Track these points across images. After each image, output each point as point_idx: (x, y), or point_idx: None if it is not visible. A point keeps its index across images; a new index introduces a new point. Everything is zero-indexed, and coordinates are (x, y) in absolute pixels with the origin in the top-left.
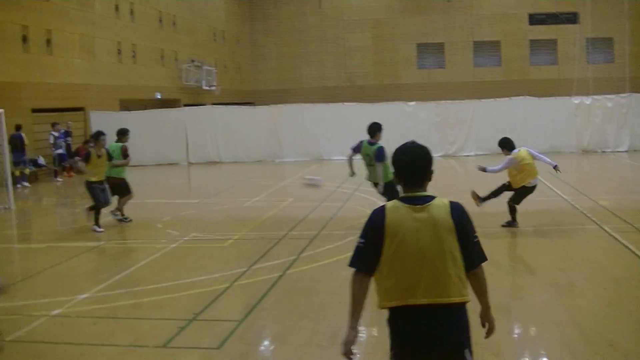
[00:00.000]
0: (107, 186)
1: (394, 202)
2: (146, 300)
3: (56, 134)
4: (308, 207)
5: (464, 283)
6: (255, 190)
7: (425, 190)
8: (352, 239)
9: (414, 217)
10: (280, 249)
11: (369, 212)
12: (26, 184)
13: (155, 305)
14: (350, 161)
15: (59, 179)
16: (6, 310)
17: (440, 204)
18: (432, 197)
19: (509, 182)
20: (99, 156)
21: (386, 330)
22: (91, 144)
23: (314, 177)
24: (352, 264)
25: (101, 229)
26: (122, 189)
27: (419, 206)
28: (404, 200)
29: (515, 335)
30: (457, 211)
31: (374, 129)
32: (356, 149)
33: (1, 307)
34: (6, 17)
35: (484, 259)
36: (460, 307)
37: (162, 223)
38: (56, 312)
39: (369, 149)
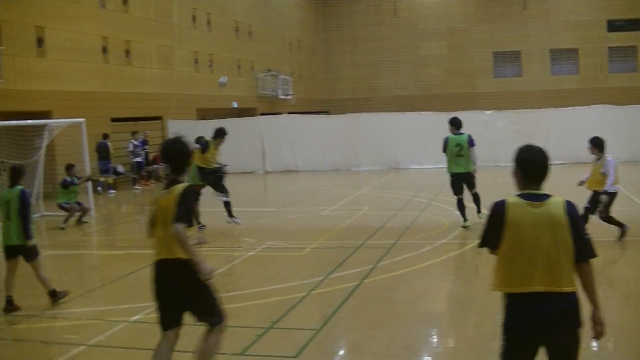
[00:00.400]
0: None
1: (514, 198)
2: (224, 307)
3: (136, 142)
4: (385, 216)
5: (574, 275)
6: (332, 199)
7: (542, 189)
8: (430, 249)
9: (532, 212)
10: (357, 258)
11: (445, 221)
12: (112, 191)
13: (233, 313)
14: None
15: (137, 187)
16: (87, 315)
17: (556, 201)
18: (548, 195)
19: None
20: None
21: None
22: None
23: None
24: (481, 245)
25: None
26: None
27: (537, 202)
28: (523, 196)
29: (594, 349)
30: (572, 209)
31: (460, 122)
32: (444, 149)
33: (83, 312)
34: (86, 29)
35: (594, 255)
36: (572, 295)
37: (239, 231)
38: (135, 317)
39: (460, 138)
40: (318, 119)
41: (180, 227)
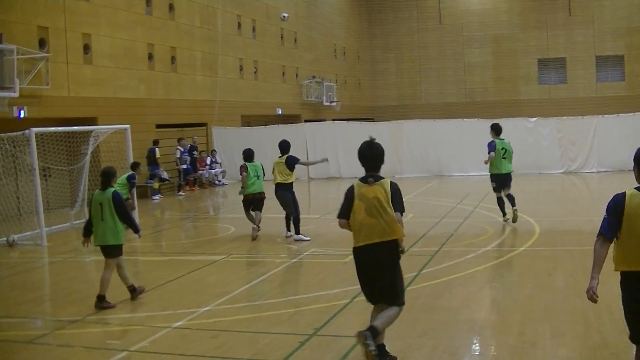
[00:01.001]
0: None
1: (631, 190)
2: (266, 314)
3: (182, 149)
4: (429, 223)
5: None
6: None
7: None
8: (473, 256)
9: None
10: (401, 265)
11: (489, 228)
12: (159, 196)
13: (275, 319)
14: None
15: (181, 193)
16: (130, 321)
17: None
18: None
19: None
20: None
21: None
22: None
23: None
24: (600, 234)
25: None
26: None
27: None
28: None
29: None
30: None
31: (500, 128)
32: (492, 150)
33: (126, 317)
34: (133, 36)
35: None
36: None
37: (282, 238)
38: (178, 324)
39: (504, 143)
40: (362, 125)
41: (399, 215)
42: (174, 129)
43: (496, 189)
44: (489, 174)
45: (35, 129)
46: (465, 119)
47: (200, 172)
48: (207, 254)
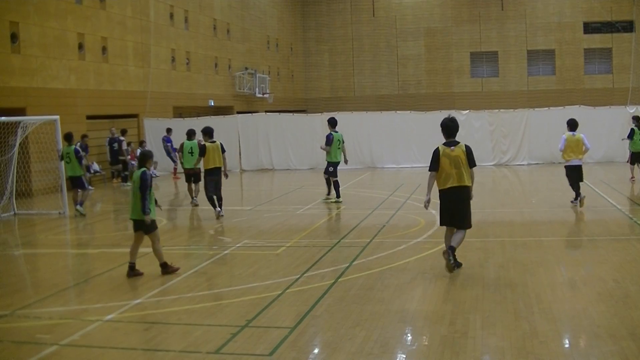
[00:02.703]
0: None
1: None
2: (198, 306)
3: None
4: (360, 215)
5: None
6: (307, 198)
7: None
8: (405, 247)
9: None
10: (333, 256)
11: (421, 219)
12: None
13: (208, 311)
14: None
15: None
16: (61, 314)
17: None
18: None
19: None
20: None
21: None
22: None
23: None
24: None
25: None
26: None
27: None
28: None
29: (570, 347)
30: None
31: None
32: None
33: (57, 311)
34: (62, 25)
35: None
36: None
37: (215, 229)
38: (110, 317)
39: (339, 135)
40: (295, 117)
41: (473, 169)
42: (105, 120)
43: (332, 174)
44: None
45: None
46: (397, 112)
47: (133, 163)
48: (140, 246)
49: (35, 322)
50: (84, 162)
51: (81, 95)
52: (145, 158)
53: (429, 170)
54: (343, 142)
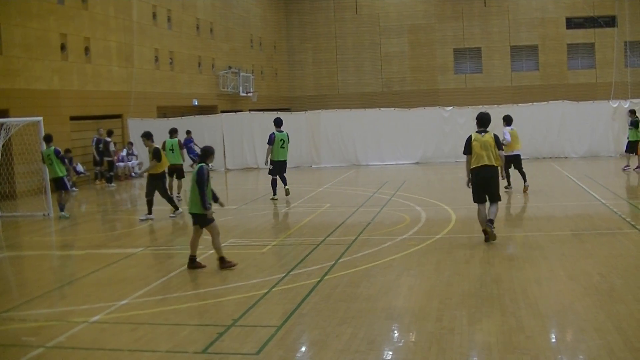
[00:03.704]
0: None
1: None
2: (185, 306)
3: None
4: (346, 213)
5: None
6: (293, 196)
7: None
8: (391, 244)
9: None
10: (319, 254)
11: (406, 216)
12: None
13: (194, 311)
14: None
15: (112, 184)
16: (47, 316)
17: None
18: None
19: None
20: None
21: None
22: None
23: None
24: None
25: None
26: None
27: None
28: None
29: (556, 341)
30: None
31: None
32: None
33: (42, 313)
34: (45, 26)
35: None
36: None
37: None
38: (96, 318)
39: (284, 135)
40: (279, 116)
41: (502, 153)
42: (89, 120)
43: (271, 172)
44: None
45: None
46: (381, 108)
47: (118, 165)
48: (124, 247)
49: (20, 324)
50: (66, 162)
51: (65, 96)
52: (207, 154)
53: (464, 153)
54: (288, 142)
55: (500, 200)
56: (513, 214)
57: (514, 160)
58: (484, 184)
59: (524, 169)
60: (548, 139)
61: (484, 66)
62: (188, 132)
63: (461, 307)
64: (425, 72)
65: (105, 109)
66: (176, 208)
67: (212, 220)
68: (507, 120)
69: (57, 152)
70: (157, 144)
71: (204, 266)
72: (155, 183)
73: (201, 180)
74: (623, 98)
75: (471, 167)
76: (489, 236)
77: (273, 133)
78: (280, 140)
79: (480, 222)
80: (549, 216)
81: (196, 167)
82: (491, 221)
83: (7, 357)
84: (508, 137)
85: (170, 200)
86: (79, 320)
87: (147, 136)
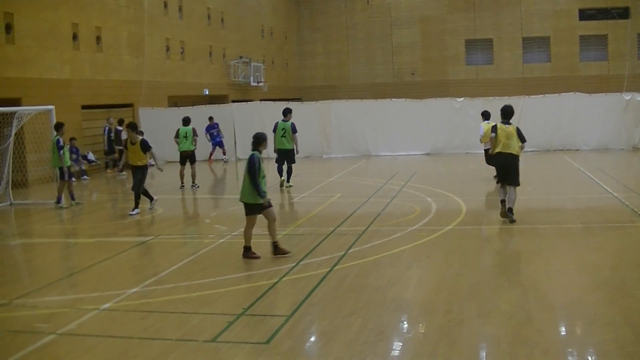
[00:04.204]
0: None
1: None
2: (194, 295)
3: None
4: (356, 203)
5: None
6: (303, 186)
7: None
8: (401, 235)
9: None
10: (328, 244)
11: (416, 207)
12: (86, 178)
13: (204, 300)
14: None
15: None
16: (58, 303)
17: None
18: None
19: None
20: (132, 143)
21: None
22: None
23: None
24: None
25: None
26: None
27: None
28: None
29: (566, 335)
30: None
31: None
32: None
33: (54, 300)
34: (56, 15)
35: None
36: None
37: (210, 218)
38: (106, 306)
39: (286, 124)
40: (289, 106)
41: (524, 143)
42: (100, 109)
43: (276, 160)
44: None
45: None
46: (392, 99)
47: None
48: (136, 235)
49: (32, 311)
50: (61, 153)
51: (76, 86)
52: (259, 141)
53: (491, 133)
54: (294, 132)
55: (518, 185)
56: (523, 206)
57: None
58: (504, 168)
59: None
60: (559, 131)
61: (495, 57)
62: (210, 119)
63: (470, 299)
64: (436, 63)
65: (116, 98)
66: (151, 199)
67: (259, 212)
68: (485, 115)
69: (57, 142)
70: (171, 132)
71: (259, 257)
72: (136, 174)
73: (253, 169)
74: (636, 90)
75: (495, 152)
76: (507, 219)
77: (277, 122)
78: (282, 130)
79: (499, 197)
80: (559, 208)
81: (249, 155)
82: (510, 210)
83: (19, 343)
84: (482, 131)
85: (145, 193)
86: (90, 308)
87: (133, 128)
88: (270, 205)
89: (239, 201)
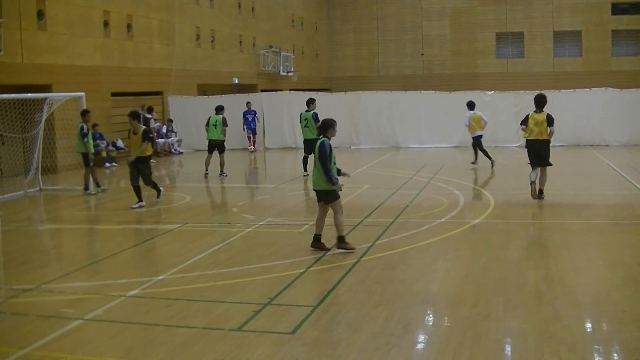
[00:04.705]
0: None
1: None
2: (221, 283)
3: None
4: (384, 194)
5: None
6: None
7: None
8: (428, 228)
9: None
10: (356, 235)
11: (445, 200)
12: (114, 165)
13: (230, 288)
14: None
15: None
16: (85, 289)
17: None
18: None
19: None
20: (134, 133)
21: None
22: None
23: None
24: None
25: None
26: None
27: None
28: None
29: (593, 331)
30: None
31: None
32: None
33: (81, 286)
34: (88, 3)
35: None
36: None
37: (238, 207)
38: (133, 292)
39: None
40: (319, 96)
41: (553, 128)
42: (129, 97)
43: (305, 151)
44: None
45: None
46: (422, 91)
47: (159, 141)
48: (162, 222)
49: (59, 296)
50: (85, 140)
51: (106, 73)
52: (326, 127)
53: (520, 124)
54: (316, 122)
55: (550, 165)
56: (552, 201)
57: (475, 141)
58: (537, 153)
59: (485, 148)
60: (589, 126)
61: (525, 51)
62: (248, 104)
63: (497, 294)
64: (466, 55)
65: (146, 85)
66: (158, 191)
67: (338, 197)
68: (470, 106)
69: (81, 129)
70: (200, 120)
71: (328, 249)
72: (141, 167)
73: (323, 156)
74: None
75: (527, 139)
76: (538, 200)
77: (301, 112)
78: (304, 120)
79: (530, 179)
80: (588, 204)
81: (318, 142)
82: (541, 191)
83: (46, 328)
84: (467, 121)
85: (154, 185)
86: (116, 294)
87: (134, 116)
88: (338, 197)
89: (313, 190)
